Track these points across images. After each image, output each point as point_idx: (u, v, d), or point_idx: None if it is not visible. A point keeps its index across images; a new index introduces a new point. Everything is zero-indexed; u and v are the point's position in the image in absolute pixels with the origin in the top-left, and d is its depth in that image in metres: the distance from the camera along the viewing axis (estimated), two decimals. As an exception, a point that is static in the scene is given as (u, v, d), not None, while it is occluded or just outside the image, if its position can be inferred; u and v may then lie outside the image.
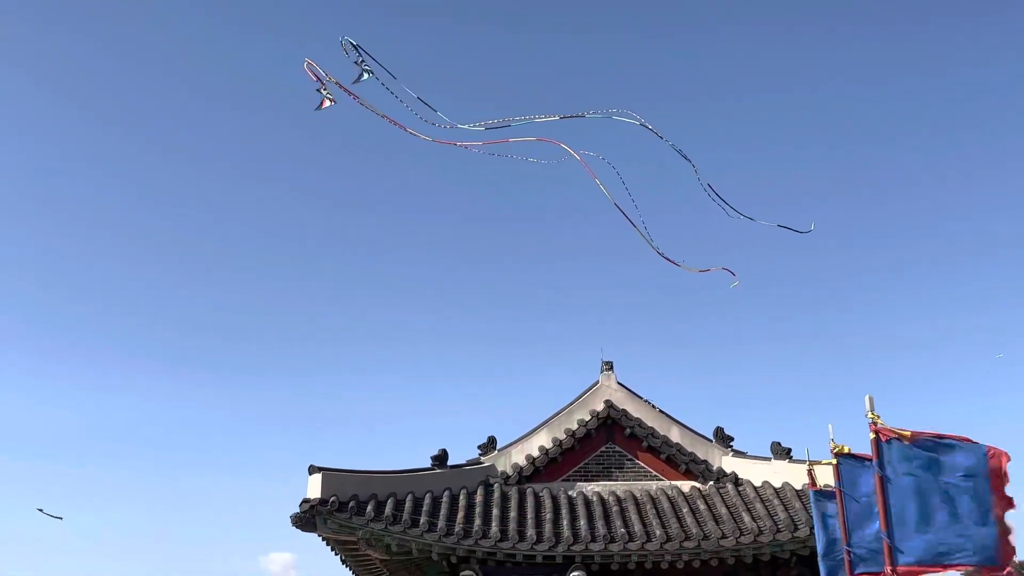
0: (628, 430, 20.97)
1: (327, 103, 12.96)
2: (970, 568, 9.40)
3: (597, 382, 21.74)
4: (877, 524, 9.88)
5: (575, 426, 20.98)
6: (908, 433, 9.73)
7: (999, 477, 9.39)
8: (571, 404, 21.51)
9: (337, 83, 12.76)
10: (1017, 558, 9.57)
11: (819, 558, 12.24)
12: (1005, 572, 9.30)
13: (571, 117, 13.79)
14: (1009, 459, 9.45)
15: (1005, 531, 9.30)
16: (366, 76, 12.92)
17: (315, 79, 12.79)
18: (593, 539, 17.77)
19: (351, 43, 12.75)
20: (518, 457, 20.85)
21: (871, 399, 10.04)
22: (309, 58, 12.68)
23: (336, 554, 19.95)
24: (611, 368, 21.83)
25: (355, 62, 12.77)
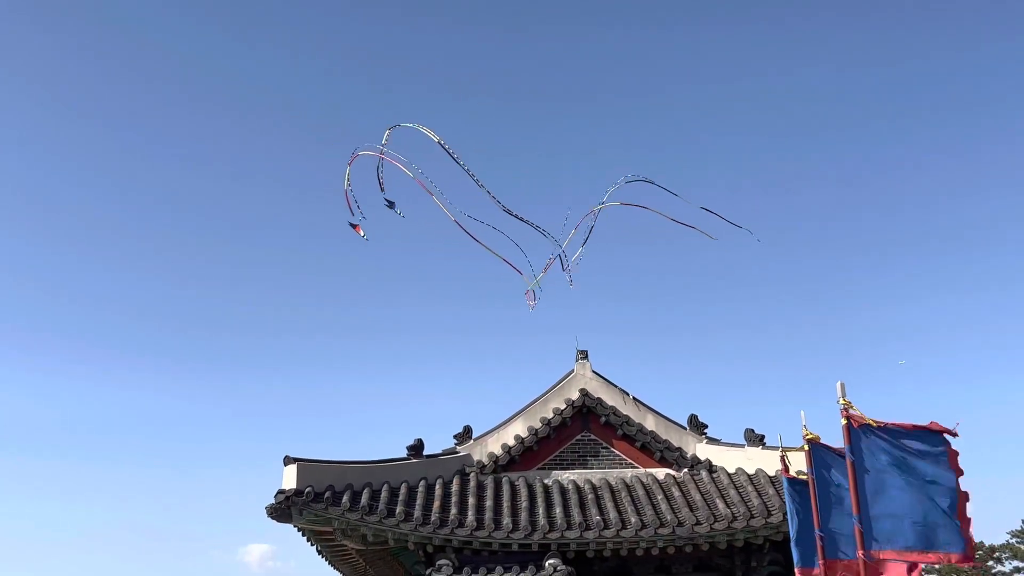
0: (603, 418, 21.05)
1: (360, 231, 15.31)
2: (940, 556, 9.50)
3: (572, 371, 21.79)
4: (849, 510, 9.98)
5: (550, 415, 21.03)
6: (876, 423, 9.83)
7: (957, 467, 9.51)
8: (546, 393, 21.55)
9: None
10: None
11: (792, 544, 12.36)
12: (971, 558, 9.42)
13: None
14: (954, 434, 9.56)
15: (967, 521, 9.44)
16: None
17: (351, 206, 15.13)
18: (569, 527, 17.85)
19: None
20: (494, 446, 20.88)
21: (843, 386, 10.13)
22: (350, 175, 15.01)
23: (312, 545, 19.92)
24: (586, 357, 21.89)
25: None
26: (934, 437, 9.63)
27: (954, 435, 9.55)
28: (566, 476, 20.45)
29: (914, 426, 9.75)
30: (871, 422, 9.82)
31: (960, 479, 9.49)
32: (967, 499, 9.46)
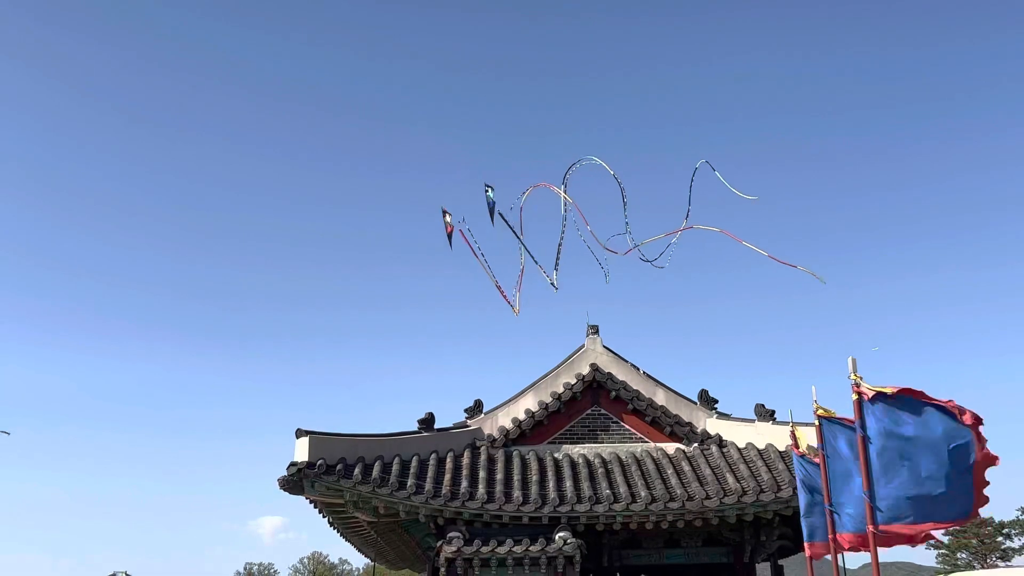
0: (613, 393, 21.09)
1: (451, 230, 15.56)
2: (950, 525, 9.53)
3: (583, 346, 21.80)
4: (859, 484, 9.98)
5: (561, 389, 21.07)
6: (891, 390, 9.79)
7: (979, 437, 9.47)
8: (557, 367, 21.59)
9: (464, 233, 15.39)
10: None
11: (801, 518, 12.38)
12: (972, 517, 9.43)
13: None
14: (981, 421, 9.52)
15: (981, 484, 9.41)
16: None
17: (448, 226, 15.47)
18: (579, 500, 17.93)
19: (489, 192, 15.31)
20: (504, 420, 20.95)
21: (854, 361, 10.11)
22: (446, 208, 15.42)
23: (324, 517, 20.04)
24: (597, 332, 21.90)
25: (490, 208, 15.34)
26: (949, 409, 9.59)
27: (979, 422, 9.49)
28: (576, 450, 20.52)
29: (931, 399, 9.69)
30: (886, 390, 9.78)
31: (980, 446, 9.44)
32: (991, 463, 9.42)
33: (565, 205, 16.06)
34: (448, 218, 15.86)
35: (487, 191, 15.78)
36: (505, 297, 16.03)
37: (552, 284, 16.22)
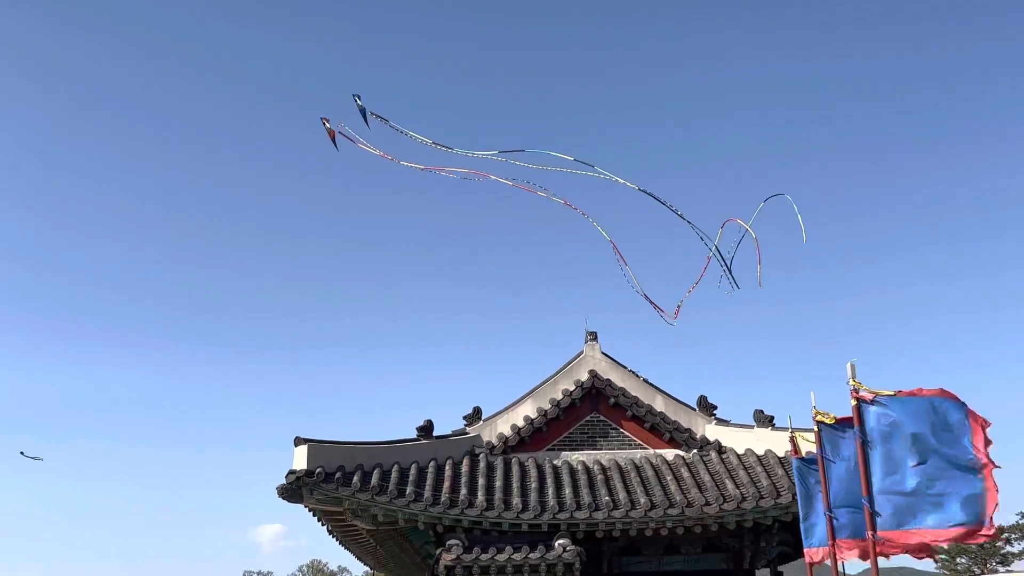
0: (612, 399, 21.07)
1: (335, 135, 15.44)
2: (955, 532, 9.47)
3: (581, 352, 21.79)
4: (859, 490, 9.98)
5: (560, 396, 21.05)
6: (889, 393, 9.79)
7: (980, 438, 9.45)
8: (556, 374, 21.57)
9: (342, 135, 15.34)
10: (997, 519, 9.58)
11: (801, 524, 12.37)
12: (991, 532, 9.36)
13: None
14: (988, 424, 9.51)
15: (990, 488, 9.37)
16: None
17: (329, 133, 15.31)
18: (578, 507, 17.90)
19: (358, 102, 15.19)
20: (503, 427, 20.92)
21: (853, 366, 10.12)
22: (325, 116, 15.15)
23: (323, 525, 20.01)
24: (595, 338, 21.89)
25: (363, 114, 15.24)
26: (952, 406, 9.57)
27: (970, 414, 9.46)
28: (575, 457, 20.49)
29: (927, 392, 9.65)
30: (884, 393, 9.78)
31: (984, 448, 9.41)
32: (991, 468, 9.38)
33: (752, 238, 15.83)
34: (327, 124, 15.86)
35: (356, 101, 15.79)
36: (655, 306, 15.81)
37: (734, 285, 15.99)
